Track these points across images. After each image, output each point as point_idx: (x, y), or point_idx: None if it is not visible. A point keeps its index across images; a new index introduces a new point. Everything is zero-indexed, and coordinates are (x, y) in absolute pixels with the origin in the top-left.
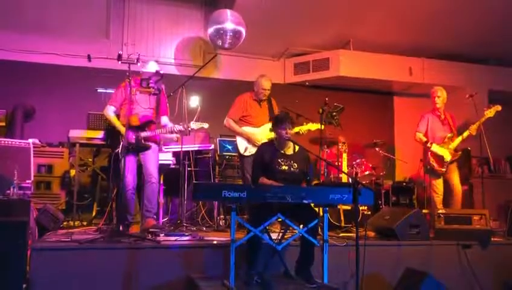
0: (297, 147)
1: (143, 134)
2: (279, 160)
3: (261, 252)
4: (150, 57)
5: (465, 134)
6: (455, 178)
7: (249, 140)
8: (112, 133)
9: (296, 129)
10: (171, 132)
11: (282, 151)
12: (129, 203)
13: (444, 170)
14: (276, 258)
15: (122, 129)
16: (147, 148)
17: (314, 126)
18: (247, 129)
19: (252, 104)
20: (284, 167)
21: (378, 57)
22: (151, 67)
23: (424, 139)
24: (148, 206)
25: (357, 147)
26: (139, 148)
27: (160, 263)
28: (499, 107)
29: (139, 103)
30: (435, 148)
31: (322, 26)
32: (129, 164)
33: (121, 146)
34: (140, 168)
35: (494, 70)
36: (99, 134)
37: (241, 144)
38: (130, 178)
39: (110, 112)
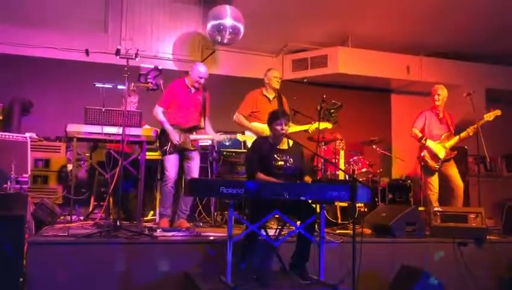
0: (291, 142)
1: (192, 137)
2: (275, 155)
3: (258, 248)
4: (148, 52)
5: (463, 135)
6: (454, 173)
7: (257, 135)
8: (163, 131)
9: (305, 127)
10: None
11: (278, 147)
12: (167, 195)
13: (437, 166)
14: (272, 254)
15: (171, 130)
16: (193, 150)
17: (321, 124)
18: (256, 125)
19: (262, 100)
20: (280, 162)
21: (377, 54)
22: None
23: (420, 134)
24: (183, 208)
25: (354, 144)
26: (185, 149)
27: (157, 258)
28: (498, 112)
29: (187, 105)
30: (430, 144)
31: (320, 23)
32: (174, 162)
33: (169, 144)
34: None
35: (492, 69)
36: (97, 129)
37: (250, 140)
38: (173, 174)
39: (159, 112)
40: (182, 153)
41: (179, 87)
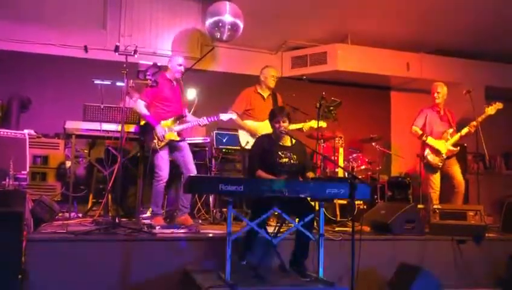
0: (294, 140)
1: (176, 128)
2: (279, 152)
3: (257, 245)
4: (147, 48)
5: (464, 131)
6: (456, 171)
7: (251, 134)
8: (146, 126)
9: (299, 126)
10: (199, 125)
11: (281, 144)
12: (159, 194)
13: (440, 164)
14: (271, 252)
15: (157, 124)
16: (180, 140)
17: (315, 123)
18: (250, 123)
19: (256, 97)
20: (284, 159)
21: (376, 51)
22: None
23: (420, 132)
24: (185, 202)
25: (354, 142)
26: (172, 141)
27: (156, 255)
28: (500, 105)
29: (172, 98)
30: (431, 141)
31: (320, 20)
32: (166, 158)
33: (156, 140)
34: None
35: (491, 67)
36: (96, 125)
37: (243, 138)
38: (166, 172)
39: (141, 106)
40: (170, 147)
41: (163, 82)
